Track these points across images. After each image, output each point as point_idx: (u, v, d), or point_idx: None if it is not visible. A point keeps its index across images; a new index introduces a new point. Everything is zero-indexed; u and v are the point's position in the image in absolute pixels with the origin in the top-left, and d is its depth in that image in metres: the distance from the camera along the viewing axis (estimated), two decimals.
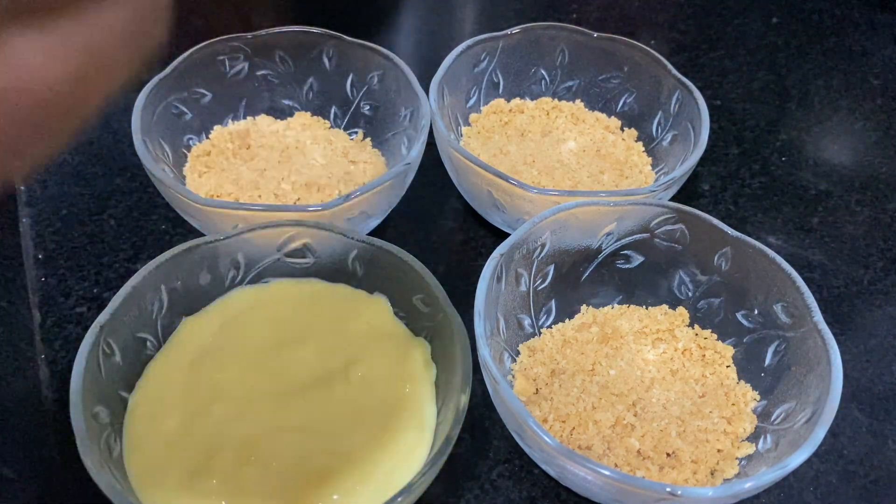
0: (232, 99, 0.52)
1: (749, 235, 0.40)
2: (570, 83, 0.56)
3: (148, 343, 0.37)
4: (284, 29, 0.51)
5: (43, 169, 0.51)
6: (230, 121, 0.53)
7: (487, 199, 0.46)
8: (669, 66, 0.51)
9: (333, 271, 0.41)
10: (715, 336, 0.42)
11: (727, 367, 0.41)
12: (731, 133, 0.60)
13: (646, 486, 0.31)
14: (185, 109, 0.50)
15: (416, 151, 0.44)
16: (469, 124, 0.54)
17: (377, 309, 0.40)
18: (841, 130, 0.61)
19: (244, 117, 0.53)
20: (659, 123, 0.53)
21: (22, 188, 0.50)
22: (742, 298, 0.41)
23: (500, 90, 0.56)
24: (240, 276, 0.41)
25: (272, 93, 0.53)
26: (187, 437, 0.34)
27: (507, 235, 0.40)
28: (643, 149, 0.53)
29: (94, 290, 0.45)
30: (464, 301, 0.46)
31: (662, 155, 0.52)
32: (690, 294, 0.43)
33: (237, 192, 0.47)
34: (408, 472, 0.33)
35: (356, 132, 0.53)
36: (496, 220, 0.48)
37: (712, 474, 0.37)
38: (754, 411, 0.39)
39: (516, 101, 0.56)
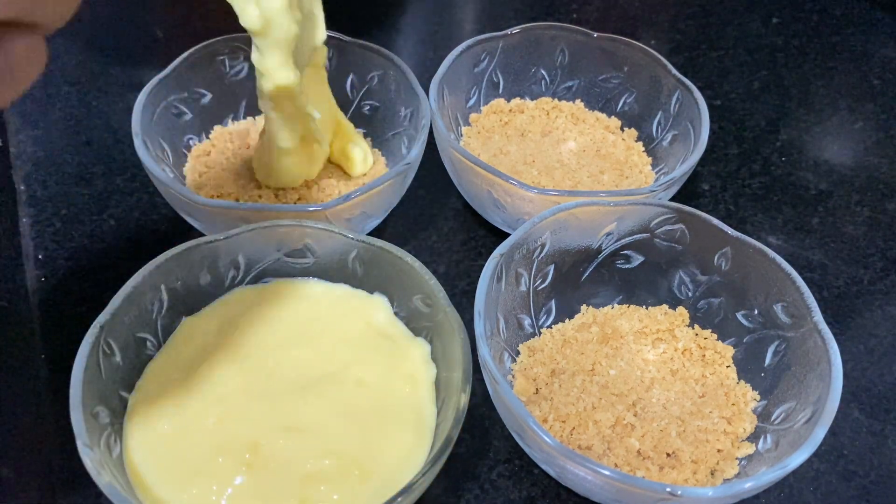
0: (232, 99, 0.52)
1: (749, 235, 0.40)
2: (570, 83, 0.56)
3: (148, 343, 0.37)
4: None
5: (43, 169, 0.52)
6: (230, 121, 0.53)
7: (487, 199, 0.46)
8: (669, 66, 0.51)
9: (333, 271, 0.41)
10: (715, 336, 0.42)
11: (727, 367, 0.41)
12: (731, 133, 0.60)
13: (646, 486, 0.31)
14: (185, 109, 0.50)
15: (416, 151, 0.44)
16: (469, 124, 0.54)
17: (377, 309, 0.40)
18: (841, 130, 0.61)
19: (244, 117, 0.53)
20: (659, 123, 0.53)
21: (22, 188, 0.50)
22: (742, 298, 0.41)
23: (500, 90, 0.56)
24: (240, 276, 0.41)
25: None
26: (187, 437, 0.34)
27: (507, 235, 0.40)
28: (643, 149, 0.53)
29: (94, 290, 0.45)
30: (464, 301, 0.46)
31: (662, 155, 0.52)
32: (690, 294, 0.43)
33: (237, 192, 0.47)
34: (408, 472, 0.33)
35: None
36: (496, 220, 0.48)
37: (712, 474, 0.37)
38: (754, 411, 0.39)
39: (516, 101, 0.56)
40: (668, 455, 0.37)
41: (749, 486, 0.31)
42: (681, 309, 0.43)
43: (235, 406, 0.36)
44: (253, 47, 0.39)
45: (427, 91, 0.48)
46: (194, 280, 0.39)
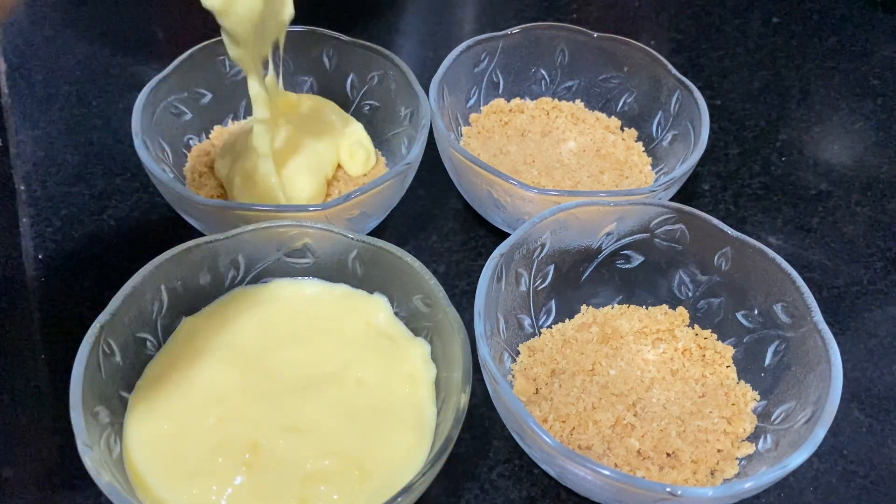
0: (232, 99, 0.52)
1: (749, 235, 0.40)
2: (570, 83, 0.56)
3: (148, 343, 0.37)
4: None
5: (43, 169, 0.52)
6: (230, 121, 0.53)
7: (487, 199, 0.46)
8: (669, 66, 0.51)
9: (333, 271, 0.41)
10: (715, 336, 0.42)
11: (727, 367, 0.41)
12: (731, 133, 0.60)
13: (646, 486, 0.31)
14: (185, 109, 0.50)
15: (416, 151, 0.44)
16: (469, 124, 0.54)
17: (377, 309, 0.40)
18: (841, 130, 0.61)
19: (244, 117, 0.53)
20: (659, 123, 0.53)
21: (22, 188, 0.50)
22: (742, 298, 0.41)
23: (500, 90, 0.56)
24: (240, 276, 0.41)
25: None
26: (187, 437, 0.34)
27: (507, 235, 0.40)
28: (643, 149, 0.53)
29: (94, 290, 0.45)
30: (464, 301, 0.46)
31: (662, 155, 0.52)
32: (690, 294, 0.43)
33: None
34: (408, 472, 0.33)
35: None
36: (496, 220, 0.48)
37: (712, 474, 0.37)
38: (754, 411, 0.39)
39: (516, 101, 0.56)
40: (668, 455, 0.37)
41: (749, 486, 0.31)
42: (681, 309, 0.43)
43: (235, 406, 0.36)
44: (224, 38, 0.38)
45: (427, 91, 0.48)
46: (194, 280, 0.39)
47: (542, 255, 0.42)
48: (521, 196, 0.43)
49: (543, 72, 0.56)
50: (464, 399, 0.33)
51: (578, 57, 0.55)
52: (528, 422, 0.32)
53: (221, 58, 0.50)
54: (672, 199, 0.46)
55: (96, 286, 0.45)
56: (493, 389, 0.35)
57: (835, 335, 0.36)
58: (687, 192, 0.54)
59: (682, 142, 0.50)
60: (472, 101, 0.55)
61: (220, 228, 0.41)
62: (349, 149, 0.49)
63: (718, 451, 0.37)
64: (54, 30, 0.63)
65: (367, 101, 0.53)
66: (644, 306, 0.44)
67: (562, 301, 0.43)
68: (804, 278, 0.38)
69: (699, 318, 0.43)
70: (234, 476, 0.33)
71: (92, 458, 0.30)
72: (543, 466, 0.36)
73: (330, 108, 0.51)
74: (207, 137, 0.51)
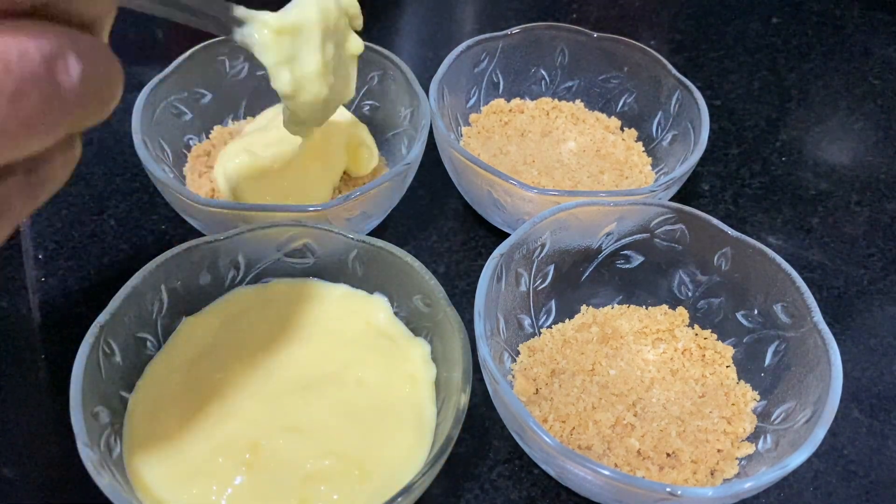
0: (232, 99, 0.52)
1: (749, 235, 0.40)
2: (570, 83, 0.56)
3: (148, 343, 0.37)
4: None
5: None
6: (230, 121, 0.53)
7: (487, 199, 0.46)
8: (669, 66, 0.51)
9: (333, 271, 0.41)
10: (715, 336, 0.42)
11: (727, 367, 0.41)
12: (731, 133, 0.60)
13: (646, 486, 0.31)
14: (185, 109, 0.50)
15: (416, 151, 0.44)
16: (469, 124, 0.54)
17: (377, 309, 0.40)
18: (841, 130, 0.61)
19: (244, 117, 0.53)
20: (659, 123, 0.53)
21: None
22: (742, 298, 0.41)
23: (500, 90, 0.56)
24: (240, 276, 0.41)
25: (272, 93, 0.53)
26: (187, 437, 0.34)
27: (507, 235, 0.40)
28: (643, 149, 0.53)
29: (94, 290, 0.45)
30: (464, 301, 0.46)
31: (662, 155, 0.52)
32: (690, 294, 0.43)
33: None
34: (408, 472, 0.33)
35: None
36: (496, 220, 0.48)
37: (712, 474, 0.37)
38: (754, 411, 0.39)
39: (516, 101, 0.56)
40: (668, 455, 0.37)
41: (749, 486, 0.31)
42: (681, 309, 0.43)
43: (235, 406, 0.36)
44: (284, 114, 0.39)
45: (427, 91, 0.48)
46: (194, 280, 0.39)
47: (542, 255, 0.42)
48: (521, 196, 0.43)
49: (543, 72, 0.56)
50: (464, 399, 0.33)
51: (578, 57, 0.55)
52: (528, 422, 0.32)
53: (221, 58, 0.50)
54: (672, 199, 0.46)
55: (96, 286, 0.45)
56: (493, 389, 0.35)
57: (835, 335, 0.36)
58: (687, 192, 0.54)
59: (682, 142, 0.50)
60: (472, 102, 0.55)
61: (220, 228, 0.41)
62: (355, 151, 0.49)
63: (718, 451, 0.37)
64: None
65: (367, 101, 0.53)
66: (644, 306, 0.44)
67: (562, 301, 0.43)
68: (804, 278, 0.38)
69: (699, 318, 0.43)
70: (234, 476, 0.33)
71: (92, 458, 0.30)
72: (543, 466, 0.36)
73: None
74: (207, 137, 0.51)
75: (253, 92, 0.53)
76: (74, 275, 0.46)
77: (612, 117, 0.55)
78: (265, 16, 0.34)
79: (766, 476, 0.32)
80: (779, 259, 0.39)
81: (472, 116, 0.54)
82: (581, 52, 0.55)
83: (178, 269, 0.38)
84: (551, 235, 0.41)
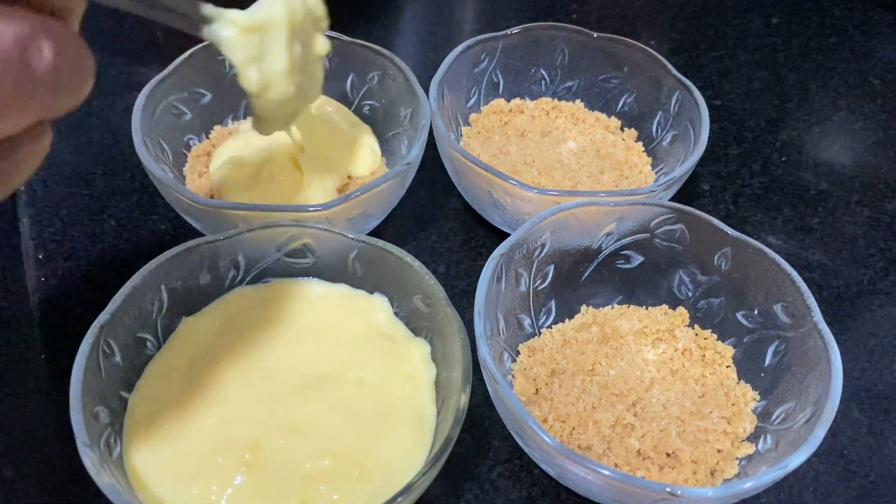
0: (232, 99, 0.52)
1: (749, 235, 0.40)
2: (570, 83, 0.56)
3: (148, 343, 0.37)
4: None
5: (43, 169, 0.51)
6: (230, 121, 0.53)
7: (487, 199, 0.46)
8: (669, 66, 0.51)
9: (333, 271, 0.41)
10: (715, 336, 0.42)
11: (727, 367, 0.41)
12: (731, 133, 0.60)
13: (646, 486, 0.31)
14: (185, 109, 0.50)
15: (416, 151, 0.44)
16: (469, 124, 0.54)
17: (377, 309, 0.40)
18: (841, 130, 0.61)
19: (244, 117, 0.53)
20: (659, 123, 0.53)
21: (22, 188, 0.50)
22: (742, 298, 0.41)
23: (500, 90, 0.56)
24: (240, 276, 0.41)
25: None
26: (187, 437, 0.34)
27: (507, 235, 0.40)
28: (643, 149, 0.53)
29: (94, 290, 0.45)
30: (464, 301, 0.46)
31: (662, 155, 0.52)
32: (690, 294, 0.43)
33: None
34: (408, 472, 0.33)
35: None
36: (496, 220, 0.48)
37: (712, 474, 0.37)
38: (754, 411, 0.39)
39: (516, 101, 0.56)
40: (668, 455, 0.37)
41: (749, 486, 0.31)
42: (681, 309, 0.43)
43: (235, 406, 0.36)
44: (252, 114, 0.39)
45: (427, 91, 0.48)
46: (194, 280, 0.39)
47: (542, 255, 0.42)
48: (520, 196, 0.43)
49: (543, 72, 0.56)
50: (464, 399, 0.33)
51: (578, 57, 0.55)
52: (528, 422, 0.32)
53: (221, 58, 0.50)
54: (672, 199, 0.46)
55: (96, 286, 0.45)
56: (493, 389, 0.35)
57: (835, 335, 0.36)
58: (687, 192, 0.54)
59: (681, 142, 0.50)
60: (472, 101, 0.55)
61: (220, 228, 0.41)
62: (359, 152, 0.49)
63: (718, 451, 0.37)
64: None
65: (367, 102, 0.53)
66: (644, 306, 0.44)
67: (562, 301, 0.43)
68: (804, 278, 0.38)
69: (699, 319, 0.43)
70: (234, 476, 0.33)
71: (92, 458, 0.30)
72: (543, 466, 0.36)
73: (339, 111, 0.51)
74: (207, 137, 0.51)
75: None
76: (74, 275, 0.46)
77: (612, 117, 0.55)
78: (233, 13, 0.34)
79: (766, 476, 0.32)
80: (779, 259, 0.39)
81: (472, 116, 0.54)
82: (581, 52, 0.55)
83: (178, 269, 0.38)
84: (551, 235, 0.41)
